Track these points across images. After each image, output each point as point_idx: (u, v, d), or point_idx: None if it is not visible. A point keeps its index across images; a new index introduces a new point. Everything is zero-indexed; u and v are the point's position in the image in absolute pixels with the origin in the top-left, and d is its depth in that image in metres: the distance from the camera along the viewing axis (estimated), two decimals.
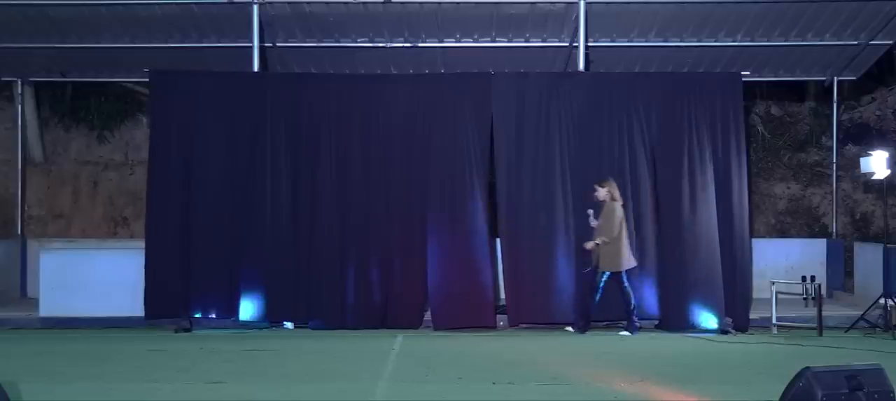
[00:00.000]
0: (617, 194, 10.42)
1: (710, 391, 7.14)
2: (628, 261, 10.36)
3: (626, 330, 10.35)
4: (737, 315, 10.57)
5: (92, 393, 7.25)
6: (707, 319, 10.54)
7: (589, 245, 10.39)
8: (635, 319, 10.39)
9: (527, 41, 12.39)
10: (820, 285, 10.81)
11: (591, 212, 10.49)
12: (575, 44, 11.57)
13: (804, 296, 11.55)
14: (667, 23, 11.98)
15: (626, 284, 10.34)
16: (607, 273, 10.30)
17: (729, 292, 10.58)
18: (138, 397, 7.16)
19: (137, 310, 10.69)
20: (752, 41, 12.36)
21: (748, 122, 14.24)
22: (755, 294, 11.17)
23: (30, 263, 12.89)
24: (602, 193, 10.41)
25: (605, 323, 10.85)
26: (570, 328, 10.47)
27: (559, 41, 12.30)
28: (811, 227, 15.58)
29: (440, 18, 11.75)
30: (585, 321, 10.50)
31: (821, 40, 12.35)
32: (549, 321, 10.78)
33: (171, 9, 11.54)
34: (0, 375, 6.49)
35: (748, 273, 10.87)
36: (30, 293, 12.74)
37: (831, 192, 14.34)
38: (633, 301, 10.38)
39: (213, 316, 10.88)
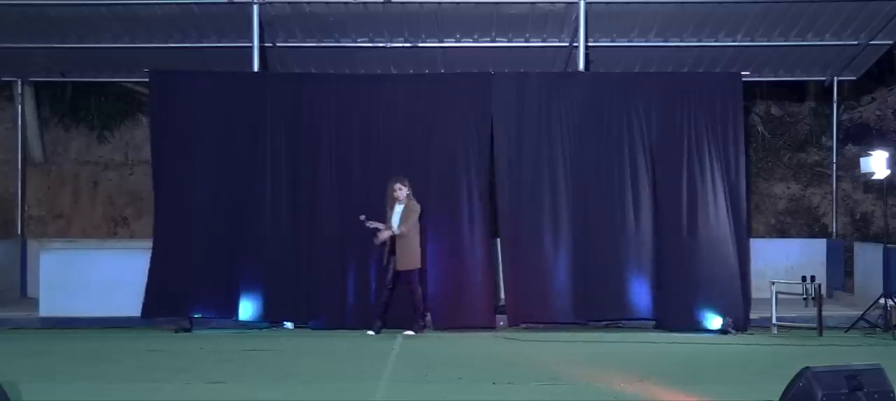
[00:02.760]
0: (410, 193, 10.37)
1: (710, 391, 7.14)
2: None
3: (411, 330, 10.27)
4: (737, 315, 10.55)
5: (92, 393, 7.24)
6: (707, 319, 10.54)
7: (385, 235, 10.22)
8: (423, 319, 10.41)
9: (527, 41, 12.39)
10: (820, 285, 10.81)
11: (363, 217, 10.27)
12: (575, 44, 11.57)
13: (804, 296, 11.53)
14: (667, 23, 11.98)
15: (417, 282, 10.34)
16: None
17: (729, 292, 10.57)
18: (138, 397, 7.15)
19: (137, 310, 10.69)
20: (752, 41, 12.36)
21: (748, 122, 14.25)
22: (755, 294, 11.16)
23: (30, 263, 12.89)
24: (405, 191, 10.29)
25: (604, 323, 10.87)
26: (371, 332, 10.27)
27: (559, 41, 12.30)
28: (811, 227, 15.58)
29: (440, 18, 11.75)
30: (384, 321, 10.37)
31: (821, 40, 12.35)
32: (549, 321, 10.79)
33: (171, 9, 11.54)
34: (0, 375, 6.49)
35: (747, 273, 10.82)
36: (30, 293, 12.74)
37: (831, 192, 14.34)
38: (424, 300, 10.43)
39: (213, 316, 10.88)
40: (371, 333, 10.25)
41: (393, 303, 10.43)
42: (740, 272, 10.66)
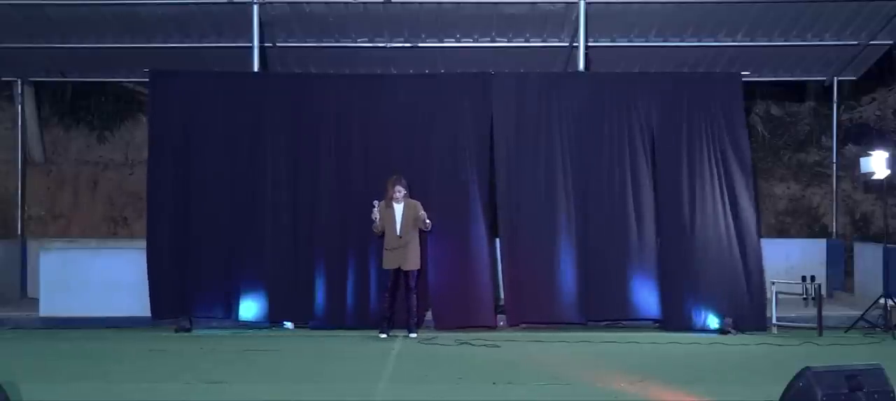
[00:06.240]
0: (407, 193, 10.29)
1: (711, 391, 7.15)
2: None
3: (412, 332, 10.19)
4: (742, 315, 10.52)
5: (92, 393, 7.25)
6: (708, 319, 10.54)
7: (425, 220, 10.09)
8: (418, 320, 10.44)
9: (527, 41, 12.39)
10: (820, 285, 10.81)
11: (376, 204, 10.11)
12: (575, 44, 11.58)
13: (804, 296, 11.55)
14: (667, 23, 11.98)
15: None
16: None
17: (731, 292, 10.57)
18: (138, 397, 7.16)
19: (138, 310, 10.70)
20: (752, 41, 12.36)
21: (748, 122, 14.24)
22: None
23: (30, 263, 12.89)
24: (404, 192, 10.17)
25: (605, 323, 10.87)
26: (383, 335, 10.15)
27: (559, 41, 12.30)
28: (811, 227, 15.59)
29: (440, 18, 11.75)
30: (391, 323, 10.30)
31: (821, 40, 12.36)
32: (549, 321, 10.80)
33: (171, 9, 11.55)
34: (0, 375, 6.50)
35: (754, 272, 10.67)
36: (30, 293, 12.74)
37: (831, 192, 14.34)
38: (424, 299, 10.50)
39: (213, 316, 10.88)
40: (383, 336, 10.19)
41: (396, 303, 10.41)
42: (747, 271, 10.62)
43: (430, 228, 10.24)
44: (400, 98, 11.07)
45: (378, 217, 10.12)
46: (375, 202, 10.14)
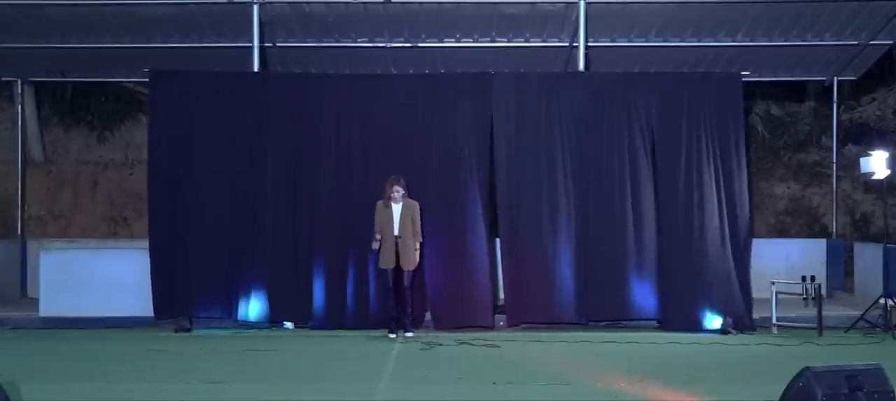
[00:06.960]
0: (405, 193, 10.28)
1: (711, 391, 7.15)
2: None
3: (408, 331, 10.19)
4: (738, 315, 10.55)
5: (92, 393, 7.25)
6: (708, 319, 10.54)
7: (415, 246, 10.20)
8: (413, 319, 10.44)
9: (527, 41, 12.39)
10: (820, 285, 10.81)
11: (378, 237, 10.15)
12: (575, 44, 11.58)
13: (804, 296, 11.54)
14: (667, 23, 11.98)
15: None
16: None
17: (729, 292, 10.57)
18: (138, 397, 7.16)
19: (137, 310, 10.70)
20: (752, 41, 12.36)
21: (748, 122, 14.25)
22: (755, 294, 11.14)
23: (30, 263, 12.89)
24: (402, 192, 10.16)
25: (605, 323, 10.87)
26: (392, 335, 10.14)
27: (559, 41, 12.30)
28: (811, 227, 15.58)
29: (440, 18, 11.75)
30: (398, 323, 10.27)
31: (821, 40, 12.35)
32: (549, 321, 10.80)
33: (171, 9, 11.55)
34: (0, 375, 6.50)
35: (748, 273, 10.80)
36: (30, 293, 12.73)
37: (831, 192, 14.34)
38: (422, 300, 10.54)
39: (213, 316, 10.88)
40: (393, 336, 10.18)
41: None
42: (741, 272, 10.65)
43: (419, 240, 10.25)
44: (400, 98, 11.07)
45: (378, 246, 10.18)
46: (377, 236, 10.15)
